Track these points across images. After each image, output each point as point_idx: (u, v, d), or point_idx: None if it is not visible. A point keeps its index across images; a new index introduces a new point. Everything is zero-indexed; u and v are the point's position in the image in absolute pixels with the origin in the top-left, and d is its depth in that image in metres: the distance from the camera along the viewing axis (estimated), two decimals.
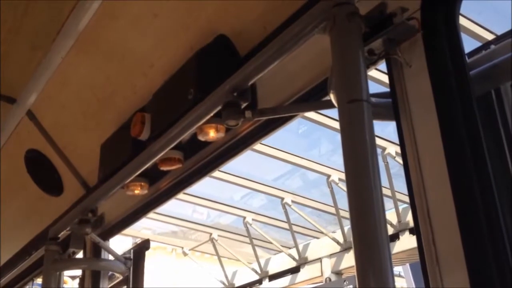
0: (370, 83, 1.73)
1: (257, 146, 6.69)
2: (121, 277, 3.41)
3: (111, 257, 3.45)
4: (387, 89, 1.85)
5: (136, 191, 2.89)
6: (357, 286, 1.48)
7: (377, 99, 1.88)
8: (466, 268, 1.48)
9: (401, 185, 7.20)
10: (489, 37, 4.46)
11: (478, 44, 2.30)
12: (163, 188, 2.96)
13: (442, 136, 1.61)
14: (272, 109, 2.17)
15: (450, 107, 1.63)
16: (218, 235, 9.00)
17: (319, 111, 6.40)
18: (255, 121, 2.29)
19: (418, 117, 1.69)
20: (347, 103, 1.60)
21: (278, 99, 2.23)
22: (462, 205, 1.54)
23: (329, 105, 1.83)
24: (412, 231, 7.22)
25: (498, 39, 2.00)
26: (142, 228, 9.60)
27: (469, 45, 1.72)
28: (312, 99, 2.11)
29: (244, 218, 8.38)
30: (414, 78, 1.71)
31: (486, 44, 2.00)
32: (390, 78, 1.78)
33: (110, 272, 3.48)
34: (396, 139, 6.73)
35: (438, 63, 1.65)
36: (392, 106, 1.76)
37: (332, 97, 1.75)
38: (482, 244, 1.49)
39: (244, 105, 2.12)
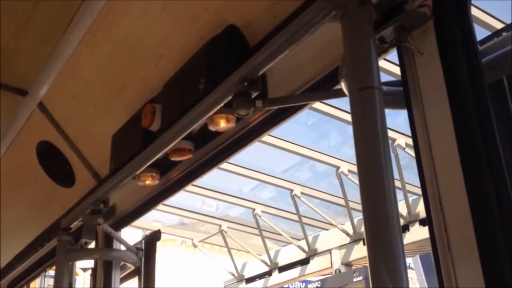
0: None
1: (267, 138, 6.70)
2: (132, 267, 3.44)
3: (122, 248, 3.48)
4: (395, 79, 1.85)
5: (147, 182, 2.91)
6: (370, 277, 1.48)
7: (388, 87, 1.88)
8: (479, 256, 1.48)
9: (411, 177, 7.19)
10: (498, 26, 4.43)
11: (487, 33, 2.28)
12: (174, 178, 2.97)
13: (454, 124, 1.61)
14: (282, 98, 2.17)
15: (462, 94, 1.62)
16: (228, 227, 9.04)
17: (329, 102, 6.39)
18: (266, 111, 2.30)
19: (430, 105, 1.69)
20: (359, 90, 1.60)
21: (288, 89, 2.22)
22: (474, 193, 1.54)
23: (340, 93, 1.82)
24: (422, 222, 7.21)
25: (510, 26, 1.98)
26: (153, 220, 9.67)
27: (478, 34, 1.71)
28: (323, 88, 2.11)
29: (254, 210, 8.40)
30: (425, 66, 1.70)
31: (498, 32, 1.98)
32: (402, 66, 1.78)
33: (122, 262, 3.51)
34: (406, 130, 6.74)
35: (450, 51, 1.65)
36: (403, 94, 1.76)
37: (343, 85, 1.75)
38: (494, 231, 1.49)
39: (254, 94, 2.12)
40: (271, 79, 2.27)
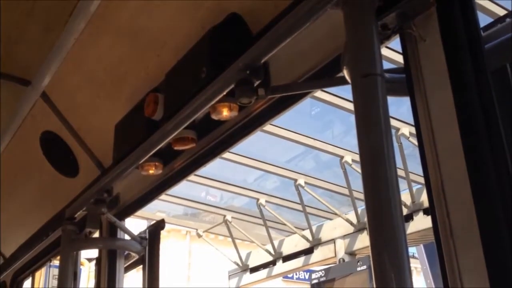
0: None
1: (270, 128, 6.70)
2: (137, 257, 3.46)
3: (127, 237, 3.49)
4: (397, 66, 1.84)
5: (151, 171, 2.91)
6: (372, 266, 1.48)
7: (391, 75, 1.87)
8: (481, 243, 1.48)
9: (415, 166, 7.19)
10: (501, 12, 4.40)
11: (489, 20, 2.26)
12: (177, 167, 2.97)
13: (457, 111, 1.60)
14: (285, 86, 2.17)
15: (465, 81, 1.61)
16: (232, 217, 9.07)
17: (332, 92, 6.38)
18: (268, 99, 2.29)
19: (433, 92, 1.68)
20: (361, 77, 1.59)
21: (291, 77, 2.22)
22: (477, 180, 1.53)
23: (343, 81, 1.81)
24: (426, 211, 7.22)
25: None
26: (157, 211, 9.71)
27: (481, 21, 1.69)
28: (326, 76, 2.11)
29: (258, 200, 8.42)
30: (428, 53, 1.69)
31: (502, 18, 1.97)
32: (404, 53, 1.77)
33: (126, 252, 3.52)
34: (409, 119, 6.72)
35: (453, 37, 1.64)
36: (406, 81, 1.75)
37: (345, 72, 1.74)
38: (497, 219, 1.49)
39: (257, 83, 2.11)
40: (273, 67, 2.26)
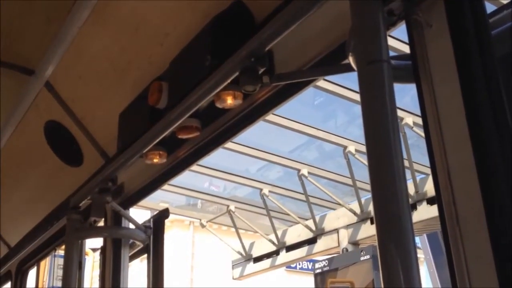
0: None
1: (273, 118, 6.69)
2: (141, 245, 3.47)
3: (131, 226, 3.50)
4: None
5: (155, 160, 2.91)
6: (378, 254, 1.48)
7: (397, 62, 1.86)
8: (487, 229, 1.48)
9: (418, 156, 7.18)
10: (505, 0, 4.36)
11: (493, 8, 2.24)
12: (182, 156, 2.97)
13: (464, 98, 1.59)
14: (290, 73, 2.16)
15: (472, 68, 1.60)
16: (235, 207, 9.08)
17: (336, 81, 6.35)
18: (273, 87, 2.28)
19: (439, 78, 1.67)
20: (367, 64, 1.58)
21: (295, 65, 2.21)
22: (484, 167, 1.53)
23: (348, 68, 1.80)
24: (429, 201, 7.21)
25: None
26: (160, 201, 9.73)
27: (487, 8, 1.68)
28: (330, 63, 2.09)
29: (261, 190, 8.42)
30: (434, 39, 1.68)
31: (509, 4, 1.95)
32: (410, 40, 1.75)
33: (131, 240, 3.53)
34: (413, 109, 6.69)
35: (460, 23, 1.62)
36: (412, 68, 1.74)
37: (351, 59, 1.73)
38: (504, 205, 1.48)
39: (261, 70, 2.11)
40: (278, 55, 2.25)
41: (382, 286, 1.45)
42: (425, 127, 1.71)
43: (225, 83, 2.23)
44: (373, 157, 1.56)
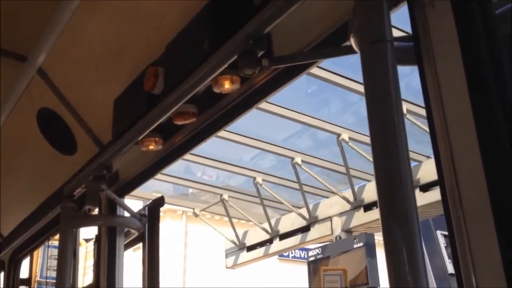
0: None
1: (267, 106, 6.66)
2: (136, 234, 3.44)
3: (126, 214, 3.47)
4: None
5: (151, 147, 2.88)
6: (383, 239, 1.46)
7: (398, 43, 1.83)
8: (491, 211, 1.46)
9: (411, 143, 7.19)
10: None
11: None
12: (178, 143, 2.94)
13: (467, 80, 1.56)
14: (289, 56, 2.13)
15: (476, 48, 1.57)
16: (229, 196, 9.08)
17: (329, 69, 6.33)
18: (271, 71, 2.25)
19: (442, 60, 1.64)
20: (370, 44, 1.56)
21: (295, 48, 2.17)
22: (488, 150, 1.51)
23: (350, 50, 1.77)
24: (422, 188, 7.24)
25: None
26: (153, 191, 9.69)
27: None
28: (331, 45, 2.07)
29: (254, 178, 8.42)
30: (437, 19, 1.65)
31: None
32: (412, 20, 1.73)
33: (126, 229, 3.51)
34: (407, 96, 6.67)
35: (463, 2, 1.60)
36: (414, 49, 1.72)
37: (352, 40, 1.70)
38: (509, 188, 1.47)
39: (260, 53, 2.08)
40: (277, 37, 2.21)
41: (387, 268, 1.44)
42: (428, 109, 1.69)
43: (223, 67, 2.19)
44: (377, 139, 1.54)
